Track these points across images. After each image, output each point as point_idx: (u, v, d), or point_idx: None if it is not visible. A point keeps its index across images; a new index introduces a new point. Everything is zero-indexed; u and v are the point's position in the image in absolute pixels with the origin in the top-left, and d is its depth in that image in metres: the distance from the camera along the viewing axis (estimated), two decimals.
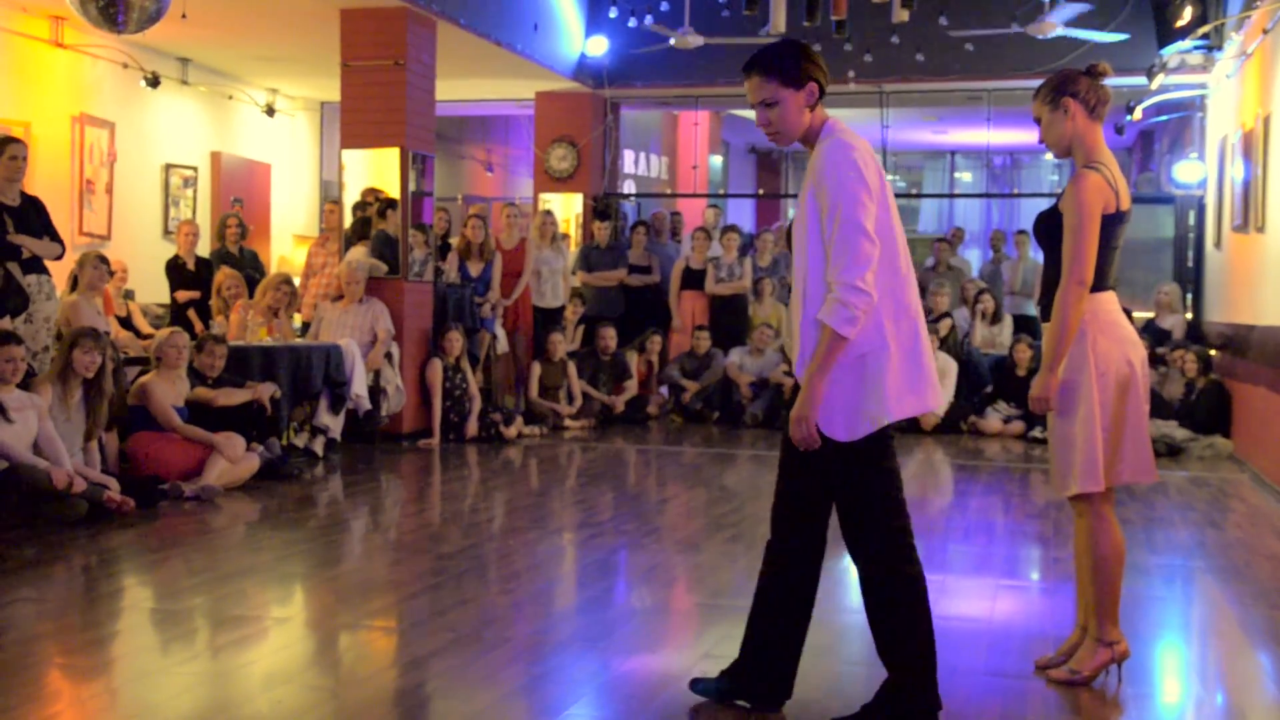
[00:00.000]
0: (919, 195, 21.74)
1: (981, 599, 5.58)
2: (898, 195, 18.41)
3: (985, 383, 12.11)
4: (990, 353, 12.43)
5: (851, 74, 13.62)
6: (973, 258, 14.02)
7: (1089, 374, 4.10)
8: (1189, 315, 12.98)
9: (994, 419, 11.71)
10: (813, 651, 4.61)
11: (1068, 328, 4.04)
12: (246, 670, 4.44)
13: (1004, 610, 5.38)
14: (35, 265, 7.90)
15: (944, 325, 12.27)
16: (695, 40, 12.25)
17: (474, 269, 11.49)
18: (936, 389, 3.70)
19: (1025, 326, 12.74)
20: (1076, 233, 4.03)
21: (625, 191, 16.02)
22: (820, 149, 3.60)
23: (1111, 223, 4.11)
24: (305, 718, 3.85)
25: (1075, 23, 11.85)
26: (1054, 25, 11.74)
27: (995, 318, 12.76)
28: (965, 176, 21.55)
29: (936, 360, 11.39)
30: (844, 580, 6.06)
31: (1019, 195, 20.89)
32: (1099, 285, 4.13)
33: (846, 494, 3.64)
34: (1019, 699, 4.11)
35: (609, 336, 12.20)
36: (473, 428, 10.53)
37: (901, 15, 10.32)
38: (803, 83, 3.60)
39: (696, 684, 3.94)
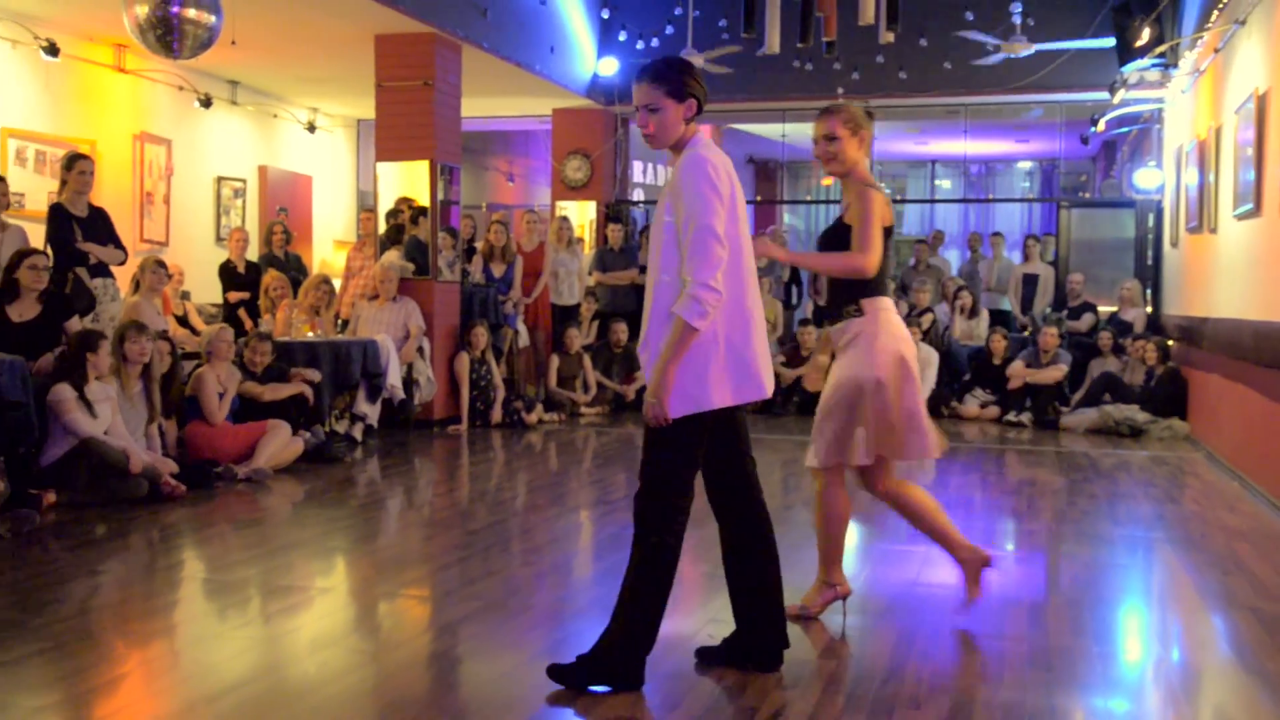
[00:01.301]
0: (903, 201, 21.62)
1: None
2: None
3: (964, 371, 12.11)
4: (969, 344, 12.42)
5: (841, 90, 13.60)
6: (952, 258, 14.01)
7: (873, 369, 4.22)
8: (1149, 309, 12.95)
9: (972, 404, 11.70)
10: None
11: (847, 267, 4.22)
12: (294, 635, 4.46)
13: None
14: (101, 270, 7.94)
15: (926, 319, 12.26)
16: (696, 61, 12.23)
17: (497, 270, 11.51)
18: (760, 384, 3.70)
19: (1001, 320, 12.74)
20: (865, 235, 4.20)
21: (635, 199, 16.02)
22: (682, 159, 3.65)
23: (887, 235, 4.29)
24: (348, 678, 3.87)
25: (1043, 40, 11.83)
26: (1026, 44, 11.72)
27: (973, 312, 12.75)
28: (944, 184, 21.47)
29: (920, 351, 11.55)
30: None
31: (994, 200, 20.86)
32: (880, 289, 4.31)
33: (650, 461, 3.68)
34: (997, 658, 4.12)
35: (621, 331, 12.21)
36: (497, 415, 10.56)
37: (887, 37, 10.28)
38: (684, 97, 3.66)
39: (703, 653, 3.98)
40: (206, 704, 3.63)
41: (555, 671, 3.66)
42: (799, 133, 17.43)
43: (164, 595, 5.13)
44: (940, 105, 14.38)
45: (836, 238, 4.34)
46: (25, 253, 7.20)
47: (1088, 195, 18.94)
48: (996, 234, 13.94)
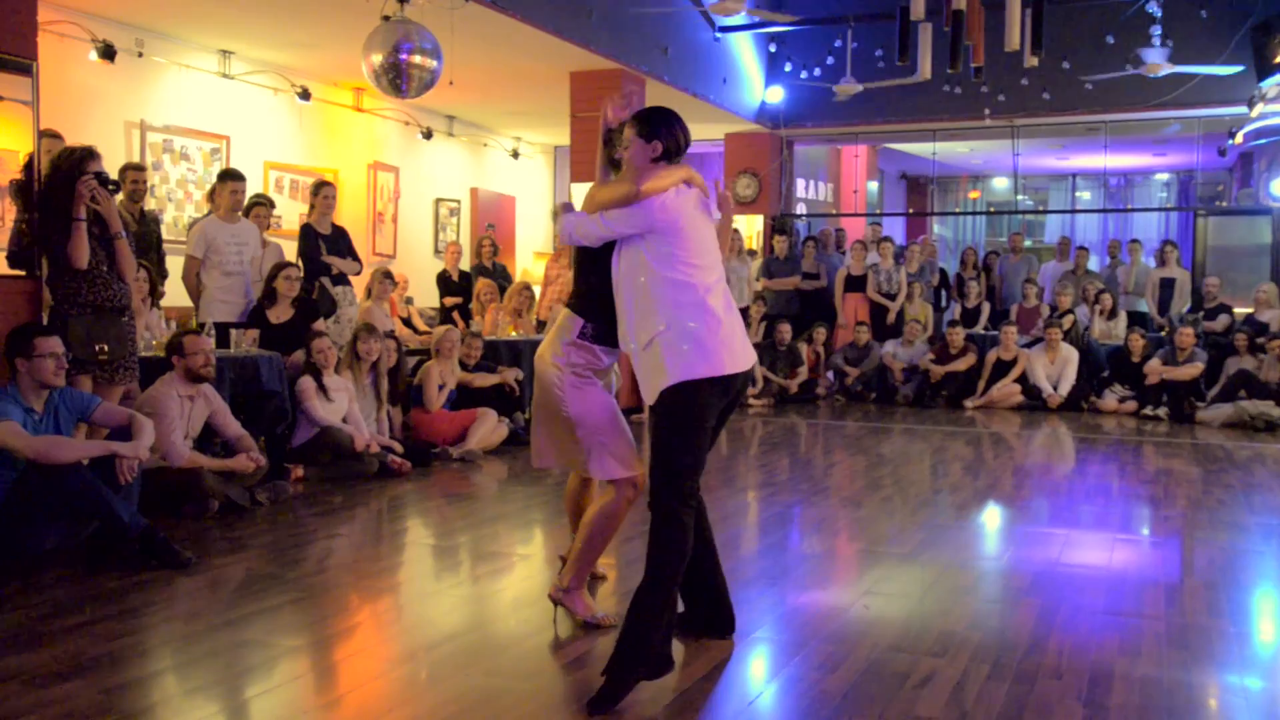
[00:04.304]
0: (1045, 211, 20.89)
1: (1101, 550, 5.35)
2: (1026, 213, 17.71)
3: (1103, 368, 11.60)
4: (1107, 343, 11.89)
5: (988, 111, 13.21)
6: (1092, 264, 13.45)
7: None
8: None
9: (1110, 399, 11.20)
10: (956, 591, 4.51)
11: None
12: (499, 595, 4.55)
13: (1120, 559, 5.15)
14: (341, 279, 8.25)
15: (1067, 320, 11.81)
16: (855, 88, 12.03)
17: None
18: (710, 360, 3.37)
19: (1138, 321, 12.16)
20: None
21: (798, 212, 15.86)
22: None
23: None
24: (544, 633, 3.93)
25: (1182, 60, 11.22)
26: (1163, 65, 11.14)
27: (1112, 313, 12.20)
28: (1085, 195, 20.61)
29: (1060, 349, 11.07)
30: (980, 534, 5.89)
31: (1131, 210, 19.91)
32: None
33: (651, 438, 3.48)
34: (1135, 634, 3.93)
35: (785, 331, 12.10)
36: None
37: (1031, 61, 9.92)
38: (650, 139, 3.53)
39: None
40: (426, 651, 3.74)
41: (593, 704, 3.16)
42: (949, 151, 16.99)
43: (390, 557, 5.31)
44: (1081, 123, 13.80)
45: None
46: (282, 265, 7.54)
47: (1224, 204, 17.91)
48: (1134, 241, 13.30)
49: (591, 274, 3.74)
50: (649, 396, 3.50)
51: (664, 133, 3.55)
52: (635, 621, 3.25)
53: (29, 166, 5.31)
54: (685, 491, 3.37)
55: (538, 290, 10.96)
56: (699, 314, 3.43)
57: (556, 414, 3.86)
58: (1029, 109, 13.16)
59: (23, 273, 5.37)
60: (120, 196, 6.70)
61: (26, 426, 4.80)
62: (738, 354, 3.47)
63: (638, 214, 3.45)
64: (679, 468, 3.37)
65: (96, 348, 5.38)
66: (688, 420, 3.39)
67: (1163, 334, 11.92)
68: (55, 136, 6.54)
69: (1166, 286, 12.45)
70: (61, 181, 5.25)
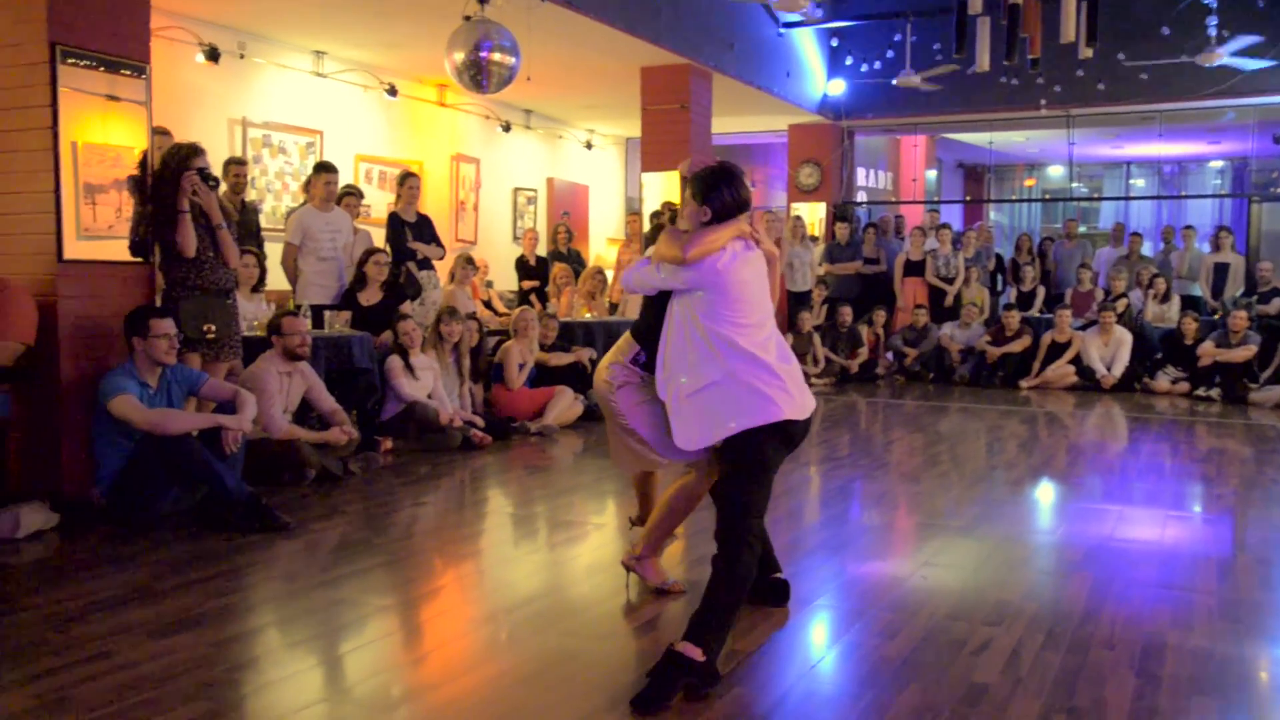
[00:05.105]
0: (1099, 198, 20.39)
1: (1154, 526, 5.23)
2: (1081, 200, 17.30)
3: (1156, 351, 11.32)
4: (1160, 326, 11.60)
5: (1044, 102, 12.92)
6: (1145, 249, 13.11)
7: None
8: None
9: (1163, 380, 10.93)
10: (1011, 564, 4.46)
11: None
12: (574, 561, 4.58)
13: (1172, 535, 5.03)
14: (426, 264, 8.33)
15: (1121, 304, 11.54)
16: (914, 81, 11.83)
17: None
18: (769, 408, 3.33)
19: (1191, 305, 11.85)
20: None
21: (859, 200, 15.67)
22: None
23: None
24: (616, 599, 3.95)
25: (1239, 52, 10.87)
26: (1219, 55, 10.79)
27: (1165, 297, 11.90)
28: (1139, 182, 20.07)
29: (1115, 332, 10.81)
30: (1035, 509, 5.80)
31: (1185, 196, 19.36)
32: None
33: (719, 480, 3.50)
34: (1187, 608, 3.84)
35: (846, 313, 11.98)
36: None
37: (1086, 52, 9.68)
38: (701, 203, 3.48)
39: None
40: (505, 614, 3.78)
41: (637, 703, 2.97)
42: (1005, 140, 16.66)
43: (472, 524, 5.37)
44: (1136, 112, 13.44)
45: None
46: (371, 251, 7.64)
47: (1278, 191, 17.33)
48: (1188, 227, 12.94)
49: (652, 309, 3.73)
50: (689, 441, 3.46)
51: (714, 198, 3.49)
52: (690, 638, 3.15)
53: (143, 162, 5.44)
54: (751, 528, 3.34)
55: (610, 274, 10.98)
56: (753, 366, 3.39)
57: (620, 424, 3.87)
58: (1084, 99, 12.85)
59: (140, 260, 5.51)
60: (223, 189, 6.83)
61: (142, 400, 4.94)
62: (797, 402, 3.42)
63: (687, 273, 3.43)
64: (745, 508, 3.35)
65: (205, 328, 5.50)
66: (753, 467, 3.37)
67: (1215, 317, 11.60)
68: (165, 133, 6.68)
69: (1220, 271, 12.10)
70: (169, 176, 5.37)
